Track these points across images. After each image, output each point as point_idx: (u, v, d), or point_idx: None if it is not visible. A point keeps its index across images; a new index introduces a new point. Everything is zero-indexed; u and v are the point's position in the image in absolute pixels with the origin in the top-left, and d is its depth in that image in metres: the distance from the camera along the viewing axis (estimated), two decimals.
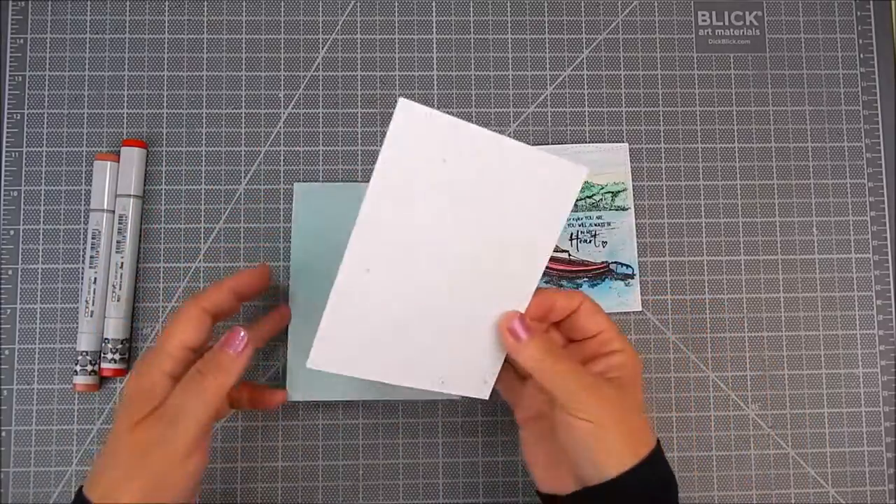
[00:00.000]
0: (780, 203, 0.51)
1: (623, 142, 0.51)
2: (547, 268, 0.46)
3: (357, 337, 0.37)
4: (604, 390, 0.38)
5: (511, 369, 0.42)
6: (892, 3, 0.53)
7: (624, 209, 0.50)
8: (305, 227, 0.49)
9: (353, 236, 0.36)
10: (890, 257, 0.51)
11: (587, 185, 0.50)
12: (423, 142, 0.36)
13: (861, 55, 0.53)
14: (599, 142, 0.51)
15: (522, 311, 0.40)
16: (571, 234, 0.50)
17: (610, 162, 0.50)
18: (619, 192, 0.50)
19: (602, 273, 0.50)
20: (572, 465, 0.38)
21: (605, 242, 0.50)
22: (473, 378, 0.41)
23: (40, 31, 0.50)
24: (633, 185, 0.51)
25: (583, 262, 0.50)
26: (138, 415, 0.37)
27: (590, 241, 0.50)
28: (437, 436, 0.49)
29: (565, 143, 0.51)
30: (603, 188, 0.50)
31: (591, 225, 0.50)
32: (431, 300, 0.38)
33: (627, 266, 0.50)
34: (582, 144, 0.51)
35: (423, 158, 0.36)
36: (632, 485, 0.36)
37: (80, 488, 0.37)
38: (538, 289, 0.40)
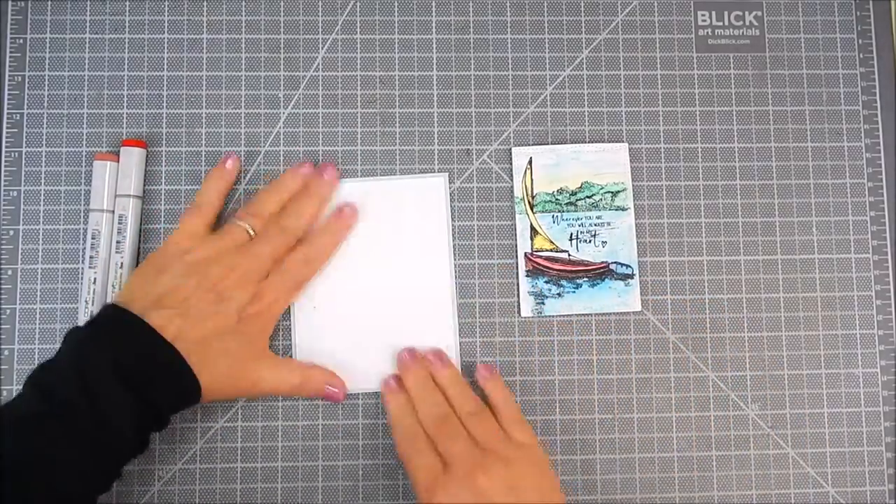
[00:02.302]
0: (779, 203, 0.51)
1: (623, 142, 0.51)
2: (546, 268, 0.49)
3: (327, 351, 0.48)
4: (449, 488, 0.41)
5: None
6: (892, 3, 0.53)
7: (623, 209, 0.50)
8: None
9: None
10: (889, 257, 0.51)
11: (587, 185, 0.50)
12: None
13: (861, 55, 0.53)
14: (599, 142, 0.51)
15: (446, 322, 0.48)
16: (571, 234, 0.50)
17: (610, 162, 0.50)
18: (618, 191, 0.50)
19: (602, 273, 0.49)
20: None
21: (604, 242, 0.50)
22: None
23: (40, 31, 0.50)
24: (633, 185, 0.51)
25: (582, 262, 0.49)
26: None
27: (590, 241, 0.49)
28: None
29: (565, 143, 0.51)
30: (603, 188, 0.50)
31: (590, 225, 0.50)
32: (371, 324, 0.48)
33: (627, 266, 0.50)
34: (581, 144, 0.50)
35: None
36: None
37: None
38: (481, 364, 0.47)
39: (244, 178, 0.50)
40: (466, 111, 0.51)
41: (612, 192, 0.50)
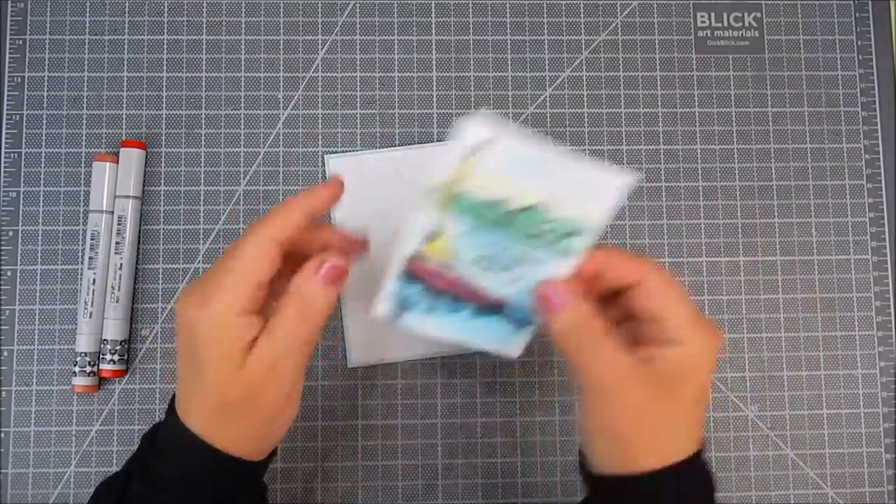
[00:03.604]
0: (778, 204, 0.51)
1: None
2: (423, 278, 0.36)
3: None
4: (627, 389, 0.33)
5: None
6: (891, 4, 0.53)
7: (567, 253, 0.35)
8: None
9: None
10: (889, 259, 0.51)
11: (537, 209, 0.35)
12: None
13: (860, 56, 0.53)
14: (598, 144, 0.51)
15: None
16: (481, 255, 0.36)
17: (589, 194, 0.34)
18: (576, 233, 0.35)
19: (492, 308, 0.37)
20: (598, 450, 0.35)
21: (518, 279, 0.36)
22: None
23: (39, 31, 0.50)
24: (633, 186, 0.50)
25: (474, 289, 0.37)
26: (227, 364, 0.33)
27: (500, 272, 0.36)
28: (436, 437, 0.49)
29: (564, 145, 0.51)
30: (556, 222, 0.35)
31: (512, 259, 0.36)
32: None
33: (532, 312, 0.37)
34: (569, 155, 0.34)
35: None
36: (651, 487, 0.33)
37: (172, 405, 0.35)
38: (598, 247, 0.35)
39: (244, 179, 0.50)
40: (466, 112, 0.51)
41: (567, 232, 0.35)
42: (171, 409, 0.35)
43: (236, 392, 0.33)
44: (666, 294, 0.34)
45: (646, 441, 0.33)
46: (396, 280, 0.36)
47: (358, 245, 0.38)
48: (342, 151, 0.50)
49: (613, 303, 0.36)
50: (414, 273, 0.36)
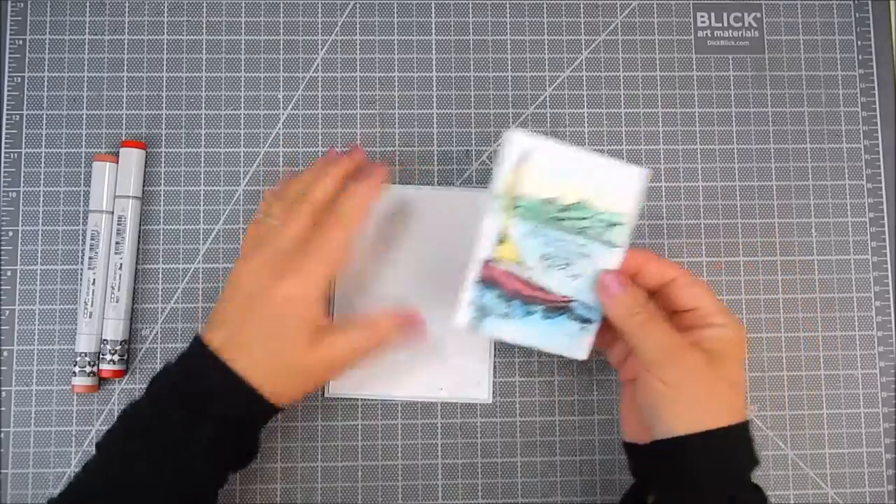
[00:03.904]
0: (778, 204, 0.51)
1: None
2: (498, 282, 0.41)
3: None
4: (687, 357, 0.38)
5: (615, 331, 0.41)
6: (891, 4, 0.53)
7: (613, 246, 0.41)
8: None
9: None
10: (889, 259, 0.51)
11: (582, 205, 0.41)
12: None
13: (860, 56, 0.53)
14: (598, 145, 0.51)
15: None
16: (544, 254, 0.41)
17: (619, 185, 0.41)
18: (615, 224, 0.41)
19: (560, 308, 0.41)
20: (647, 420, 0.40)
21: (576, 276, 0.41)
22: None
23: (39, 32, 0.50)
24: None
25: (542, 289, 0.41)
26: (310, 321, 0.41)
27: (563, 268, 0.41)
28: (435, 437, 0.49)
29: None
30: (600, 214, 0.41)
31: (570, 251, 0.41)
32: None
33: (591, 309, 0.42)
34: (594, 153, 0.41)
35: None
36: (700, 447, 0.38)
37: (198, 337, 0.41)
38: (634, 248, 0.41)
39: (243, 179, 0.50)
40: (466, 112, 0.51)
41: (608, 223, 0.41)
42: (211, 355, 0.40)
43: (306, 363, 0.41)
44: (699, 287, 0.41)
45: (691, 406, 0.38)
46: (474, 287, 0.41)
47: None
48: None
49: (651, 298, 0.41)
50: (489, 278, 0.41)
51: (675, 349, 0.38)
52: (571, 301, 0.42)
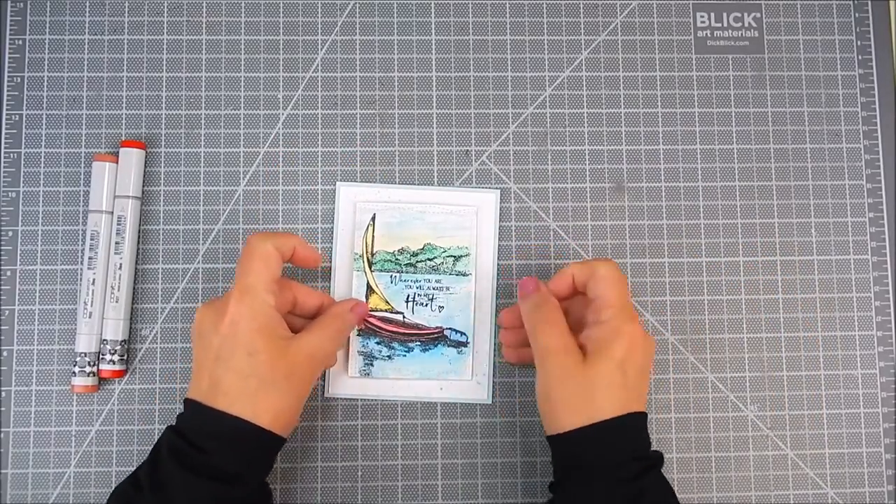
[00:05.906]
0: (778, 204, 0.51)
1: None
2: (378, 328, 0.48)
3: None
4: (561, 358, 0.41)
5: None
6: (891, 4, 0.53)
7: (465, 275, 0.48)
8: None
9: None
10: (888, 259, 0.51)
11: (429, 247, 0.49)
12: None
13: (859, 57, 0.53)
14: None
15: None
16: (408, 296, 0.48)
17: (456, 225, 0.49)
18: (461, 256, 0.49)
19: (435, 338, 0.48)
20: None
21: (441, 307, 0.48)
22: None
23: (39, 32, 0.50)
24: (632, 187, 0.51)
25: (416, 326, 0.48)
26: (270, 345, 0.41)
27: (426, 305, 0.48)
28: (435, 437, 0.49)
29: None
30: (445, 251, 0.48)
31: (429, 288, 0.48)
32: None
33: (462, 333, 0.48)
34: (428, 205, 0.49)
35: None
36: (579, 439, 0.40)
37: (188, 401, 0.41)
38: (566, 266, 0.44)
39: (243, 179, 0.50)
40: (465, 112, 0.51)
41: (454, 257, 0.48)
42: (197, 409, 0.40)
43: (282, 369, 0.40)
44: (606, 279, 0.42)
45: (566, 404, 0.40)
46: (357, 339, 0.48)
47: (312, 260, 0.45)
48: (353, 182, 0.50)
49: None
50: (368, 328, 0.48)
51: (552, 351, 0.41)
52: (444, 330, 0.48)
